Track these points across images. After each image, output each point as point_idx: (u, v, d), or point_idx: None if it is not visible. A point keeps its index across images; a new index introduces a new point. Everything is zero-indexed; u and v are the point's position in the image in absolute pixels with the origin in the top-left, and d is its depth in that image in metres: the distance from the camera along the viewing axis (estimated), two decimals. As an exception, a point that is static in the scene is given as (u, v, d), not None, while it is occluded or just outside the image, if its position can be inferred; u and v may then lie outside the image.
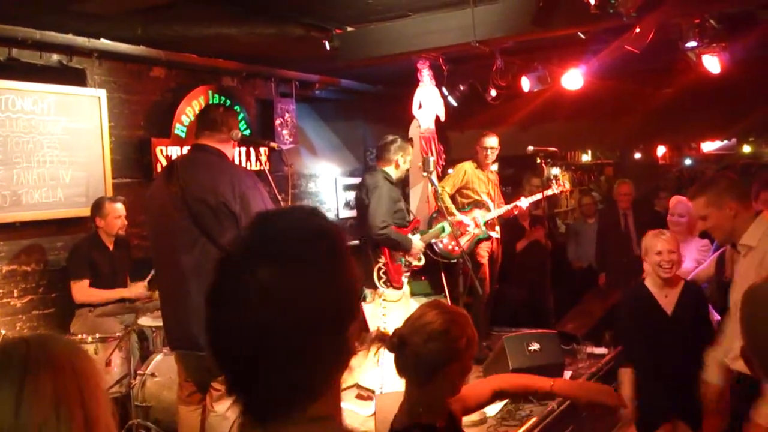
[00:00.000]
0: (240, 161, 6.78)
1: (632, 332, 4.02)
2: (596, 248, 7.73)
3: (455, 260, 5.52)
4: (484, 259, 6.35)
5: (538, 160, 6.72)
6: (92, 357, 1.53)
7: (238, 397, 1.11)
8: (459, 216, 6.24)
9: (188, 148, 3.88)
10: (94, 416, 1.39)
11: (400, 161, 5.54)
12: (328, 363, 1.13)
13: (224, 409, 3.61)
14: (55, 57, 5.31)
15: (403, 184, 8.57)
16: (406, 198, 7.62)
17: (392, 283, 5.38)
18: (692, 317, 3.87)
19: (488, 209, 6.41)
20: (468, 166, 6.48)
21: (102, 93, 5.61)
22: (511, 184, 8.78)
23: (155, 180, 3.84)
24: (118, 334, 4.63)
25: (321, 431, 1.11)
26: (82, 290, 5.03)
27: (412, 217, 5.74)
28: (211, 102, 6.45)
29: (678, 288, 3.95)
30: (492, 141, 6.39)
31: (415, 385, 2.24)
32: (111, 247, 5.20)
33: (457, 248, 6.14)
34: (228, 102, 6.61)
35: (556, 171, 11.06)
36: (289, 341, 1.07)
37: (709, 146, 11.58)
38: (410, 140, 5.75)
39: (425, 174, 5.60)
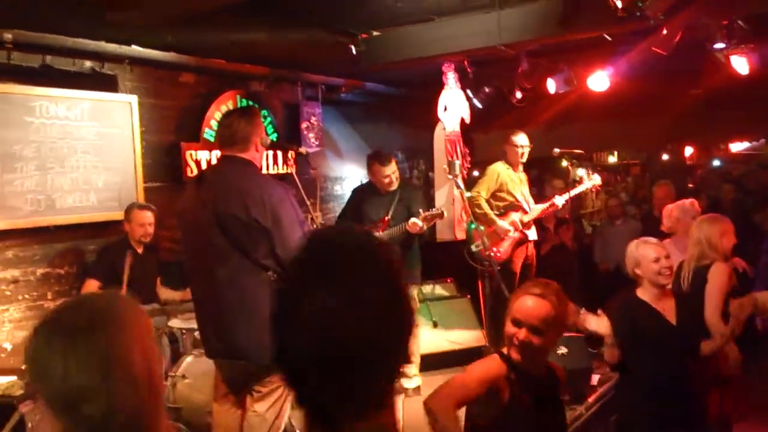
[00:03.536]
0: (267, 165, 6.85)
1: (632, 345, 3.77)
2: None
3: (500, 267, 5.49)
4: (517, 267, 6.30)
5: (564, 163, 6.69)
6: (143, 311, 1.50)
7: (306, 406, 1.18)
8: (499, 222, 6.20)
9: (217, 157, 3.85)
10: (147, 374, 1.39)
11: (371, 177, 5.81)
12: (389, 376, 1.20)
13: (264, 409, 3.67)
14: (88, 64, 5.41)
15: (428, 187, 8.62)
16: (431, 200, 7.65)
17: None
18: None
19: (525, 211, 6.33)
20: (500, 167, 6.37)
21: (133, 99, 5.70)
22: (536, 186, 8.76)
23: (186, 191, 3.79)
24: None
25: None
26: (87, 289, 5.09)
27: (381, 217, 5.71)
28: (238, 106, 6.53)
29: (671, 300, 3.74)
30: (524, 139, 6.33)
31: None
32: (140, 251, 5.29)
33: (499, 254, 6.13)
34: (251, 102, 6.68)
35: (581, 172, 11.01)
36: (355, 357, 1.13)
37: (737, 146, 11.45)
38: (381, 161, 5.71)
39: (450, 177, 5.61)
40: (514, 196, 6.32)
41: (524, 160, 6.40)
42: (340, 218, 5.48)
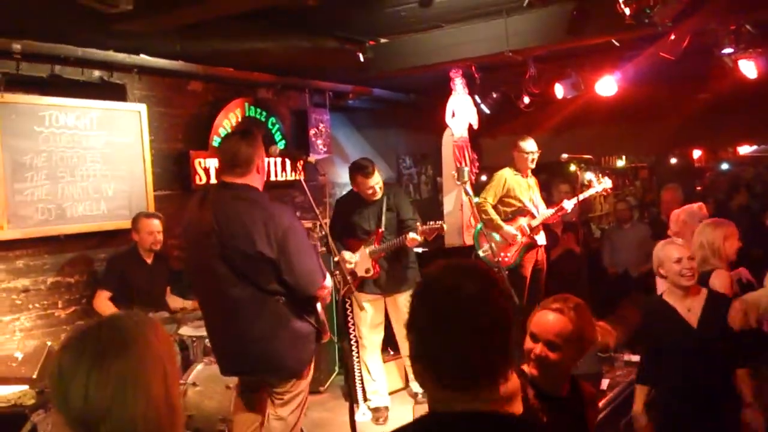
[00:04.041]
0: (276, 171, 6.88)
1: (654, 350, 3.81)
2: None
3: (507, 271, 5.47)
4: (527, 271, 6.30)
5: (573, 168, 6.68)
6: (165, 332, 1.53)
7: (435, 370, 1.51)
8: (506, 227, 6.20)
9: (218, 181, 3.78)
10: (165, 394, 1.42)
11: (355, 187, 5.60)
12: (504, 354, 1.53)
13: (287, 414, 3.73)
14: (97, 73, 5.43)
15: (436, 192, 8.62)
16: (439, 206, 7.65)
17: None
18: (720, 328, 3.60)
19: (533, 216, 6.32)
20: (507, 173, 6.35)
21: (142, 107, 5.72)
22: (545, 191, 8.76)
23: (189, 209, 3.73)
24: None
25: (493, 408, 1.50)
26: (98, 301, 5.12)
27: (372, 229, 5.57)
28: (247, 115, 6.56)
29: (701, 298, 3.69)
30: (531, 145, 6.29)
31: None
32: (149, 261, 5.30)
33: (507, 259, 6.11)
34: (260, 110, 6.70)
35: (590, 176, 11.00)
36: (483, 334, 1.50)
37: (745, 150, 11.43)
38: (365, 173, 5.46)
39: (459, 183, 5.60)
40: (522, 202, 6.30)
41: (533, 165, 6.36)
42: (332, 230, 5.25)
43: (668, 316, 3.70)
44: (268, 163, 6.66)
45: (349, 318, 5.85)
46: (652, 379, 3.81)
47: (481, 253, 6.17)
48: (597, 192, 6.79)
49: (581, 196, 6.53)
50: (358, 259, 5.49)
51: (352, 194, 5.70)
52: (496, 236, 6.15)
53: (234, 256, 3.46)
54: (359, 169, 5.46)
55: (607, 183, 6.67)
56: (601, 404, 5.01)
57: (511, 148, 6.43)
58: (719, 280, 4.06)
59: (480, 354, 1.50)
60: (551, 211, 6.41)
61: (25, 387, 4.02)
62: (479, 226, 6.16)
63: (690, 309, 3.67)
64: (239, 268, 3.48)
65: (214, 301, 3.64)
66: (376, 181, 5.47)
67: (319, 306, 3.75)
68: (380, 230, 5.50)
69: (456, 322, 1.50)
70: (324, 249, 5.63)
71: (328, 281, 3.71)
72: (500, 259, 5.85)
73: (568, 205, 6.42)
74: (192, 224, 3.66)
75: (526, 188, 6.38)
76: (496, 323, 1.52)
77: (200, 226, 3.55)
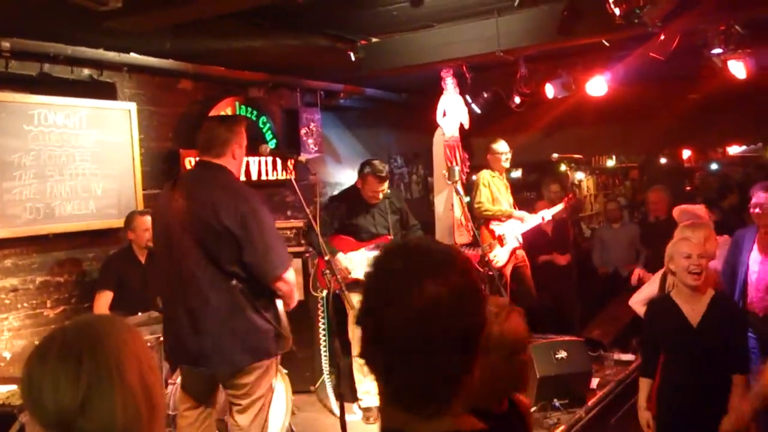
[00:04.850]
0: (267, 171, 6.86)
1: (653, 345, 3.84)
2: (645, 257, 7.57)
3: (496, 273, 5.51)
4: (507, 269, 6.36)
5: (563, 167, 6.73)
6: (137, 330, 1.53)
7: (387, 387, 1.30)
8: (516, 213, 6.38)
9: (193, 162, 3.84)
10: (143, 389, 1.40)
11: (359, 187, 5.62)
12: (465, 367, 1.30)
13: (247, 422, 3.67)
14: (86, 71, 5.40)
15: (427, 191, 8.63)
16: (430, 205, 7.65)
17: (320, 286, 5.58)
18: (721, 330, 3.62)
19: (520, 219, 6.45)
20: (488, 174, 6.48)
21: (132, 106, 5.69)
22: (535, 190, 8.79)
23: (161, 195, 3.79)
24: (148, 344, 4.69)
25: (454, 426, 1.30)
26: (99, 303, 5.09)
27: (380, 233, 5.57)
28: (237, 112, 6.54)
29: (706, 298, 3.69)
30: (504, 146, 6.44)
31: None
32: (143, 261, 5.28)
33: (499, 263, 6.16)
34: (250, 108, 6.69)
35: (580, 176, 11.04)
36: (443, 343, 1.25)
37: (734, 149, 11.49)
38: (381, 177, 5.47)
39: (450, 183, 5.61)
40: (501, 203, 6.46)
41: (507, 165, 6.54)
42: (325, 229, 5.21)
43: (672, 313, 3.70)
44: (259, 162, 6.66)
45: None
46: (654, 372, 3.83)
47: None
48: (572, 204, 7.02)
49: (557, 208, 6.72)
50: (357, 262, 5.46)
51: (353, 193, 5.69)
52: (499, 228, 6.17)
53: (199, 229, 3.48)
54: (375, 172, 5.46)
55: (585, 190, 6.92)
56: (590, 403, 5.04)
57: (485, 153, 6.60)
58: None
59: (436, 372, 1.26)
60: (536, 222, 6.54)
61: (14, 387, 3.99)
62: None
63: (694, 308, 3.67)
64: (203, 245, 3.48)
65: (174, 284, 3.61)
66: (385, 187, 5.51)
67: (280, 305, 3.69)
68: (389, 237, 5.49)
69: (409, 334, 1.25)
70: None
71: (291, 275, 3.64)
72: (492, 259, 5.93)
73: (547, 214, 6.64)
74: (163, 203, 3.73)
75: (504, 189, 6.55)
76: (465, 332, 1.28)
77: (170, 201, 3.61)
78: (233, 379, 3.63)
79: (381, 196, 5.53)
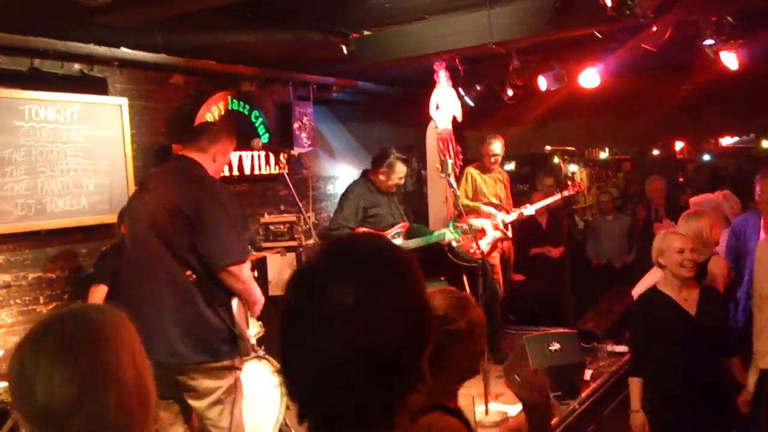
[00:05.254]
0: (259, 165, 6.84)
1: (650, 340, 3.82)
2: (636, 247, 7.61)
3: (475, 263, 5.54)
4: (496, 260, 6.41)
5: (556, 160, 6.74)
6: (129, 322, 1.47)
7: (310, 414, 1.12)
8: (483, 208, 6.39)
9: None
10: (137, 386, 1.38)
11: (383, 176, 5.72)
12: (405, 384, 1.12)
13: (215, 415, 3.60)
14: (77, 66, 5.36)
15: (421, 184, 8.63)
16: (423, 198, 7.66)
17: None
18: (717, 316, 3.71)
19: (507, 212, 6.50)
20: (473, 170, 6.59)
21: (123, 101, 5.66)
22: (528, 182, 8.79)
23: (135, 189, 3.88)
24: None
25: None
26: (94, 297, 5.07)
27: (397, 221, 5.72)
28: (230, 108, 6.51)
29: (696, 290, 3.75)
30: (498, 147, 6.50)
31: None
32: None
33: (477, 252, 6.17)
34: (242, 103, 6.67)
35: (573, 168, 11.05)
36: (369, 359, 1.07)
37: (727, 141, 11.52)
38: (405, 160, 5.72)
39: (443, 176, 5.62)
40: (488, 198, 6.51)
41: (496, 167, 6.64)
42: (344, 221, 5.37)
43: (666, 305, 3.72)
44: (251, 156, 6.64)
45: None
46: (646, 369, 3.83)
47: (454, 244, 6.20)
48: (568, 195, 7.07)
49: (542, 203, 6.81)
50: None
51: (366, 185, 5.79)
52: (449, 233, 6.14)
53: (158, 212, 3.51)
54: (402, 158, 5.66)
55: (580, 184, 6.97)
56: (583, 395, 5.06)
57: (480, 144, 6.65)
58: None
59: (350, 400, 1.08)
60: (514, 216, 6.58)
61: (7, 384, 3.98)
62: (451, 223, 6.24)
63: (687, 299, 3.70)
64: (160, 226, 3.49)
65: (149, 278, 3.59)
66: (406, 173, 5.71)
67: (235, 306, 3.62)
68: (405, 224, 5.61)
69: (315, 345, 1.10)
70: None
71: (244, 272, 3.58)
72: (472, 251, 5.96)
73: (530, 209, 6.70)
74: (134, 197, 3.84)
75: (492, 184, 6.61)
76: (387, 350, 1.09)
77: (141, 189, 3.72)
78: (185, 377, 3.55)
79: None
